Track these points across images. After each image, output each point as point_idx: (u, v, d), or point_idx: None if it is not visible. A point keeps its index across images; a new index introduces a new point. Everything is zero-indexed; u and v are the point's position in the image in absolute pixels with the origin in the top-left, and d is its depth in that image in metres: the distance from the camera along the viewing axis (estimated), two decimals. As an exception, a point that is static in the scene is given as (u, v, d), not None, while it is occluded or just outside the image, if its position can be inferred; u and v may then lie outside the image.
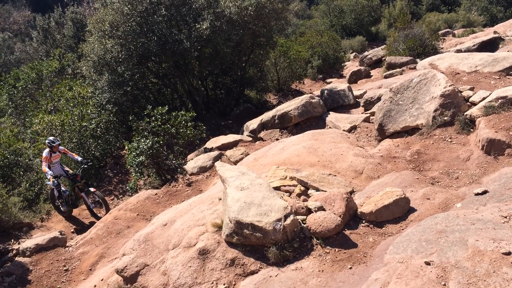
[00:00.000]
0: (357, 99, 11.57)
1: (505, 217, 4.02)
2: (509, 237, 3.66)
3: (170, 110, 9.65)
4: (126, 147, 9.26)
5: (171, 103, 13.70)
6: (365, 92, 11.49)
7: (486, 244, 3.61)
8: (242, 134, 11.08)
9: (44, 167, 8.33)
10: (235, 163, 8.32)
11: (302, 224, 4.73)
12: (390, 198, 5.01)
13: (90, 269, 6.59)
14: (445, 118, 6.98)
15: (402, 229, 4.69)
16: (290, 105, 10.67)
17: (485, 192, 4.94)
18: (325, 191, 5.43)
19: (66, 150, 8.96)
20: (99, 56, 11.77)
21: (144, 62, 12.59)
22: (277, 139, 10.03)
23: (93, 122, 11.23)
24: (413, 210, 5.05)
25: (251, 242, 4.59)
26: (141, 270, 5.13)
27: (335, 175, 6.15)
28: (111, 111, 12.03)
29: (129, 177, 10.42)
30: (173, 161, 8.87)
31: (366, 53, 19.21)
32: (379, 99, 9.52)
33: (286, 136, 10.01)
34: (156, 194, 8.30)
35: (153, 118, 9.20)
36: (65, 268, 6.77)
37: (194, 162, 8.98)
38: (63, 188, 8.79)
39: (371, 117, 9.37)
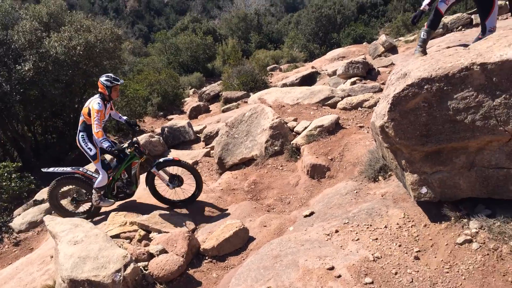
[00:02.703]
0: (198, 134, 11.82)
1: (328, 234, 4.47)
2: (332, 253, 4.08)
3: (-10, 162, 8.52)
4: None
5: (-9, 153, 12.12)
6: (205, 127, 11.82)
7: (314, 262, 3.96)
8: (79, 180, 10.30)
9: (101, 130, 5.64)
10: (71, 213, 7.67)
11: (144, 271, 4.56)
12: (230, 230, 5.17)
13: None
14: (276, 148, 7.57)
15: (243, 259, 4.86)
16: (130, 146, 10.36)
17: (312, 213, 5.44)
18: (168, 232, 5.35)
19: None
20: None
21: (-47, 108, 10.95)
22: (118, 182, 9.60)
23: None
24: (252, 239, 5.28)
25: (89, 300, 4.23)
26: None
27: (177, 214, 6.12)
28: None
29: None
30: (-4, 220, 7.78)
31: (204, 88, 19.89)
32: (217, 133, 9.90)
33: (128, 178, 9.65)
34: (-26, 261, 7.13)
35: (-32, 172, 8.00)
36: None
37: (22, 217, 8.00)
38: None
39: (212, 152, 9.64)
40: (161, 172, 6.30)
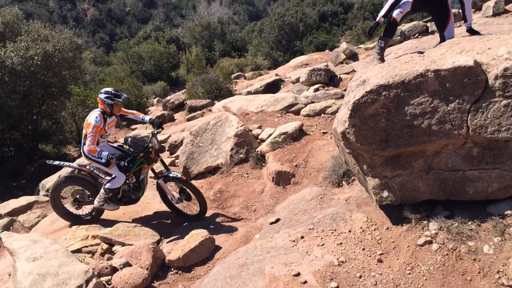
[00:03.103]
0: (162, 144, 11.67)
1: (294, 241, 4.50)
2: (297, 259, 4.10)
3: None
4: None
5: None
6: (169, 136, 11.68)
7: (280, 269, 3.96)
8: (38, 194, 9.95)
9: (93, 146, 5.32)
10: (30, 228, 7.38)
11: (108, 286, 4.44)
12: (196, 240, 5.11)
13: None
14: (241, 155, 7.56)
15: (210, 269, 4.82)
16: (92, 157, 10.11)
17: (278, 220, 5.46)
18: (132, 245, 5.23)
19: (124, 109, 5.99)
20: None
21: None
22: (80, 195, 9.33)
23: None
24: (218, 248, 5.25)
25: (49, 318, 4.08)
26: None
27: (142, 225, 6.01)
28: None
29: None
30: (-51, 239, 7.38)
31: (168, 97, 19.67)
32: (182, 142, 9.80)
33: (90, 190, 9.40)
34: None
35: None
36: None
37: (-23, 235, 7.64)
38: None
39: (177, 161, 9.54)
40: (168, 184, 6.03)
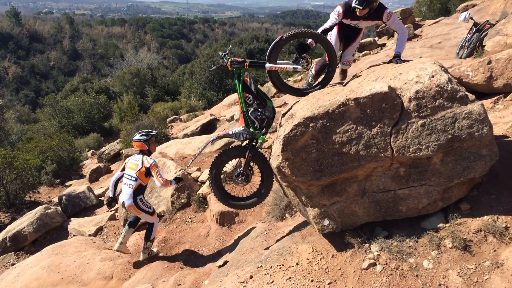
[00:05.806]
0: (100, 198, 11.21)
1: (243, 282, 4.41)
2: (248, 301, 4.02)
3: None
4: None
5: None
6: (107, 189, 11.27)
7: (232, 314, 3.86)
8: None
9: (164, 180, 5.78)
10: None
11: None
12: (142, 297, 4.88)
13: None
14: (182, 200, 7.42)
15: (160, 326, 4.60)
16: (23, 222, 9.45)
17: (225, 262, 5.36)
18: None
19: None
20: None
21: None
22: (13, 265, 8.64)
23: None
24: (167, 301, 5.03)
25: None
26: None
27: (82, 290, 5.65)
28: None
29: None
30: None
31: (103, 148, 19.04)
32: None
33: (24, 258, 8.74)
34: None
35: None
36: None
37: None
38: None
39: (116, 214, 9.18)
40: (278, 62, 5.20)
